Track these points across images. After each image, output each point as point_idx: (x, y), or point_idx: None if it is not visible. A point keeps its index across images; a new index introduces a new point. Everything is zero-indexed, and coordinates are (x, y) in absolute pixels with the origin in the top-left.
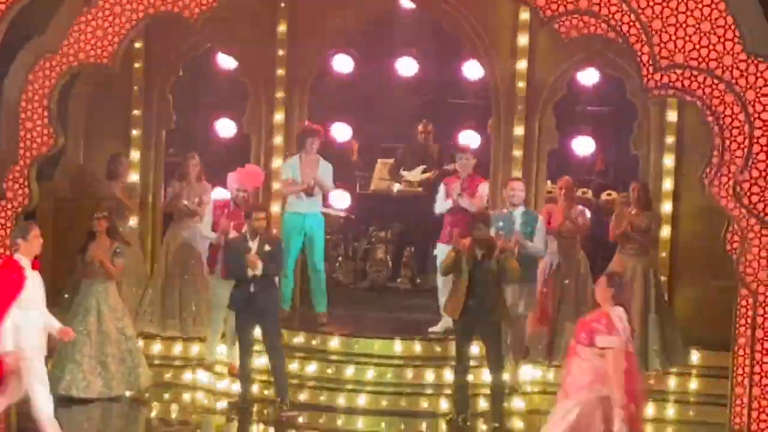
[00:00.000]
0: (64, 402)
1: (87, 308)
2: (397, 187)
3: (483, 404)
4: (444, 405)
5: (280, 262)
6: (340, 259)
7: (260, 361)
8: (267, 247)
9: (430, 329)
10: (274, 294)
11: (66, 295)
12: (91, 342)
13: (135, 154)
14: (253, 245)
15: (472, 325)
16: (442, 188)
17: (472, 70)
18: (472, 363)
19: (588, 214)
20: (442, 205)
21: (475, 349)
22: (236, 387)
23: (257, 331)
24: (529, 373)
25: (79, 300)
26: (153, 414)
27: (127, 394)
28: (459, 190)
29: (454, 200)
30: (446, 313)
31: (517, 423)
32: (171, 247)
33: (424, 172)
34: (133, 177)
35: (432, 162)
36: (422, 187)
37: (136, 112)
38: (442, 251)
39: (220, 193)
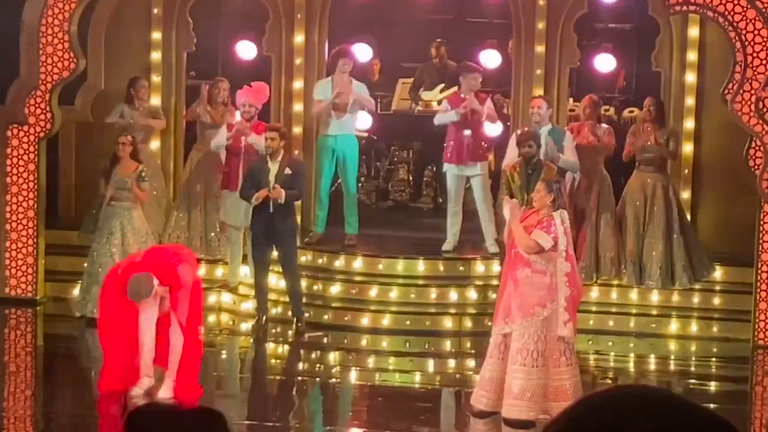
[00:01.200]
0: (92, 323)
1: (111, 230)
2: (418, 107)
3: None
4: (468, 324)
5: (301, 187)
6: (362, 179)
7: (281, 282)
8: (287, 171)
9: (443, 248)
10: (291, 215)
11: (89, 218)
12: (115, 263)
13: (156, 78)
14: (273, 167)
15: None
16: (444, 104)
17: None
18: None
19: (613, 132)
20: (444, 116)
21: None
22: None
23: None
24: None
25: (102, 222)
26: None
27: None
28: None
29: (465, 106)
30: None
31: None
32: (193, 166)
33: (442, 90)
34: (154, 100)
35: (450, 80)
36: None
37: (156, 35)
38: (449, 169)
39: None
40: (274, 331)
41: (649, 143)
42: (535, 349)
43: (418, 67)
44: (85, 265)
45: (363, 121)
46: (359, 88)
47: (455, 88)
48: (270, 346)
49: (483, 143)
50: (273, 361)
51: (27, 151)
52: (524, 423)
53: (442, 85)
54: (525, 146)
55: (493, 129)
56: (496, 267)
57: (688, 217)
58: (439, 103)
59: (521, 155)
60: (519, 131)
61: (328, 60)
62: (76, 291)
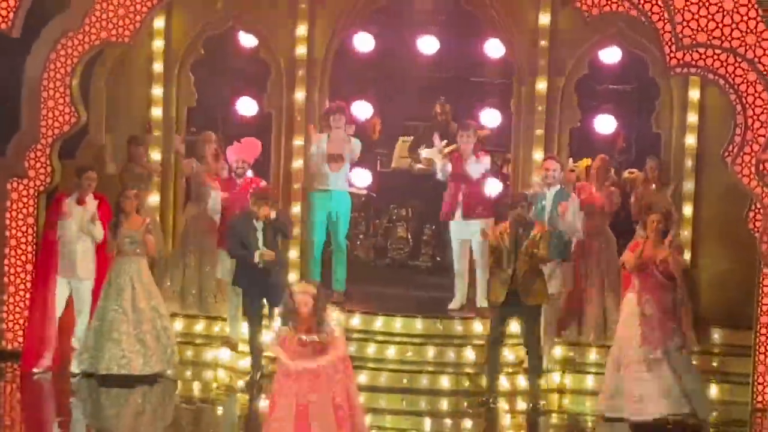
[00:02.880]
0: (104, 380)
1: (121, 286)
2: (418, 166)
3: (504, 383)
4: (465, 383)
5: (289, 232)
6: (361, 236)
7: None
8: (272, 231)
9: (449, 306)
10: (280, 268)
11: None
12: (128, 319)
13: (156, 133)
14: (258, 225)
15: (513, 309)
16: (448, 164)
17: (493, 48)
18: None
19: (618, 194)
20: (443, 169)
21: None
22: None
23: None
24: (558, 352)
25: (112, 278)
26: (176, 392)
27: (169, 372)
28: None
29: (461, 166)
30: (489, 302)
31: (548, 400)
32: (188, 224)
33: (446, 146)
34: (155, 155)
35: (451, 140)
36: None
37: (156, 90)
38: (455, 229)
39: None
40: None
41: (657, 203)
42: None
43: (420, 125)
44: (93, 320)
45: (362, 178)
46: (355, 145)
47: (455, 145)
48: (265, 404)
49: (477, 200)
50: None
51: (26, 205)
52: None
53: (445, 141)
54: (517, 207)
55: (475, 169)
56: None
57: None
58: (443, 158)
59: (512, 217)
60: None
61: (321, 118)
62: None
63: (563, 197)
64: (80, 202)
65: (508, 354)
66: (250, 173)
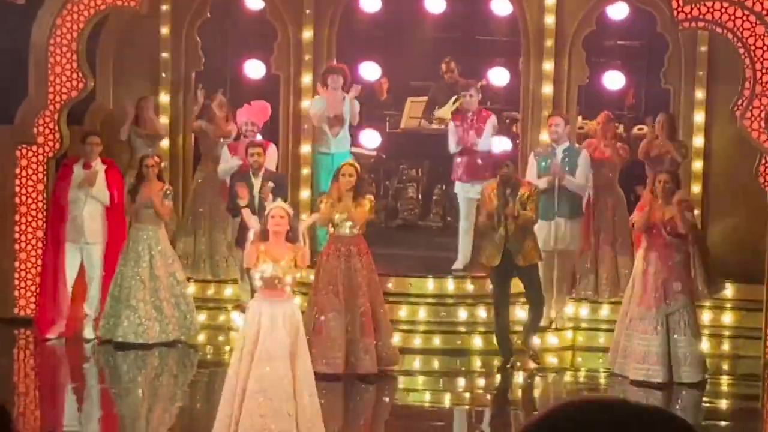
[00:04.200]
0: (122, 347)
1: (138, 253)
2: (433, 126)
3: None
4: (478, 342)
5: (284, 197)
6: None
7: None
8: (270, 184)
9: (453, 267)
10: None
11: None
12: (145, 287)
13: (164, 97)
14: (256, 183)
15: (510, 269)
16: (451, 126)
17: (500, 6)
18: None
19: (627, 148)
20: (454, 145)
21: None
22: None
23: None
24: (569, 309)
25: (129, 245)
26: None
27: (183, 338)
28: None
29: (462, 140)
30: (484, 262)
31: (552, 359)
32: (198, 187)
33: (455, 102)
34: (163, 119)
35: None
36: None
37: (164, 54)
38: (459, 189)
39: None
40: None
41: (666, 158)
42: (690, 320)
43: (428, 85)
44: (110, 287)
45: (371, 139)
46: (349, 107)
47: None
48: None
49: (479, 161)
50: None
51: (36, 171)
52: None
53: (455, 97)
54: (502, 167)
55: (484, 144)
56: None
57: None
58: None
59: (499, 176)
60: (535, 150)
61: (320, 77)
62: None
63: (573, 153)
64: (86, 167)
65: (520, 312)
66: (259, 137)
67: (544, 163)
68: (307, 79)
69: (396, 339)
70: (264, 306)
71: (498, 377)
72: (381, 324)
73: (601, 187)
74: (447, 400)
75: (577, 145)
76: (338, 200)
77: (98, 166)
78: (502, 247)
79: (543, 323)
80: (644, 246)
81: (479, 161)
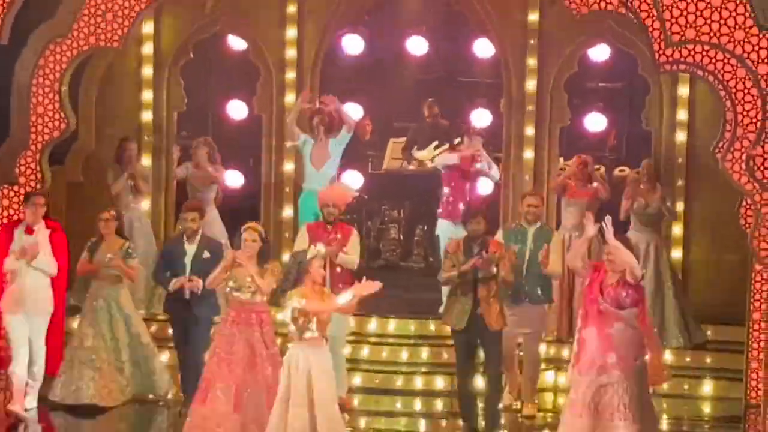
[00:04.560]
0: (87, 410)
1: (100, 313)
2: (411, 167)
3: None
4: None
5: (219, 255)
6: None
7: None
8: (205, 254)
9: (440, 310)
10: (207, 299)
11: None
12: (106, 347)
13: (147, 138)
14: (190, 250)
15: (476, 335)
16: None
17: (483, 48)
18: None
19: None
20: (446, 157)
21: None
22: None
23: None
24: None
25: (90, 303)
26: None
27: (150, 397)
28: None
29: (457, 150)
30: (448, 323)
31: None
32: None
33: (436, 147)
34: (145, 161)
35: (442, 139)
36: (434, 165)
37: (146, 95)
38: (443, 229)
39: (232, 177)
40: None
41: (650, 202)
42: (629, 402)
43: (410, 126)
44: (66, 351)
45: (353, 180)
46: (335, 141)
47: (447, 146)
48: None
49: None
50: None
51: (17, 212)
52: None
53: (435, 143)
54: (473, 223)
55: (495, 174)
56: None
57: (679, 276)
58: (432, 161)
59: (468, 232)
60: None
61: (309, 118)
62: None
63: (544, 236)
64: (28, 231)
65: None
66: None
67: (512, 242)
68: (289, 119)
69: (377, 380)
70: (292, 350)
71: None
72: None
73: (577, 230)
74: None
75: (546, 226)
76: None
77: (41, 231)
78: (470, 310)
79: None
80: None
81: (473, 200)
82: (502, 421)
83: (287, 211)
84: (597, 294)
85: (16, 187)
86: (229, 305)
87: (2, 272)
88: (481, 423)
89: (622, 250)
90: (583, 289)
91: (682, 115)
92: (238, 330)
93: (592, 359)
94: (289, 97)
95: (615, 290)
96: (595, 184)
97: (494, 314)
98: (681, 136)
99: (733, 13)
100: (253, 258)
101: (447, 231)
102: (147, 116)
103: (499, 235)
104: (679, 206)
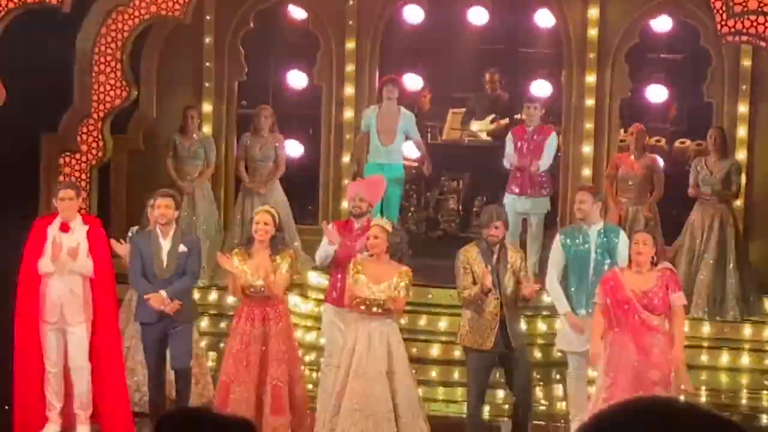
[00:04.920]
0: None
1: None
2: (468, 138)
3: None
4: None
5: (196, 268)
6: (412, 209)
7: None
8: (181, 248)
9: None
10: (189, 301)
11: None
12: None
13: (207, 107)
14: (165, 244)
15: (497, 354)
16: (509, 138)
17: (544, 18)
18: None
19: (661, 162)
20: (509, 158)
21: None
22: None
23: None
24: None
25: None
26: None
27: None
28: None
29: (520, 155)
30: (467, 344)
31: None
32: (245, 214)
33: (492, 121)
34: (206, 129)
35: (502, 111)
36: (492, 137)
37: (207, 64)
38: (510, 202)
39: (292, 147)
40: None
41: (716, 173)
42: None
43: (469, 97)
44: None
45: (413, 150)
46: (406, 118)
47: (506, 120)
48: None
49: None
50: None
51: (79, 179)
52: None
53: (493, 116)
54: (491, 227)
55: (545, 164)
56: (545, 297)
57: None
58: (488, 134)
59: (485, 238)
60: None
61: (378, 89)
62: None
63: (610, 234)
64: (63, 228)
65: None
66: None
67: (570, 244)
68: (349, 89)
69: (434, 351)
70: (360, 324)
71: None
72: (297, 399)
73: (635, 202)
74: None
75: (613, 224)
76: (249, 256)
77: (77, 228)
78: (496, 328)
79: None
80: (606, 326)
81: (536, 176)
82: None
83: (345, 181)
84: (632, 302)
85: (78, 155)
86: (240, 301)
87: (37, 275)
88: None
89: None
90: (601, 302)
91: (744, 86)
92: (252, 326)
93: (631, 380)
94: (349, 67)
95: (652, 295)
96: (650, 156)
97: (520, 331)
98: (742, 108)
99: None
100: (266, 243)
101: (512, 203)
102: (208, 85)
103: (557, 241)
104: (741, 179)
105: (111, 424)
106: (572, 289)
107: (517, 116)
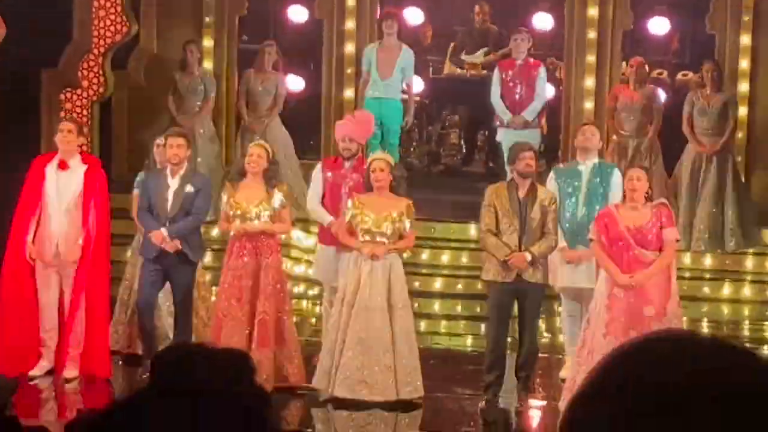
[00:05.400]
0: None
1: None
2: (456, 70)
3: None
4: None
5: (204, 208)
6: (414, 143)
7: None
8: (189, 188)
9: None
10: (193, 241)
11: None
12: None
13: (208, 42)
14: (173, 183)
15: (515, 288)
16: (496, 72)
17: None
18: None
19: (662, 94)
20: (495, 93)
21: None
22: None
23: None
24: None
25: None
26: None
27: None
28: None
29: (508, 91)
30: (492, 277)
31: None
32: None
33: (486, 54)
34: (207, 64)
35: (494, 44)
36: (486, 70)
37: None
38: (503, 136)
39: (293, 81)
40: None
41: (712, 105)
42: None
43: (459, 30)
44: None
45: (414, 84)
46: (406, 54)
47: (497, 53)
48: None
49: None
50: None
51: (80, 115)
52: None
53: (486, 49)
54: (523, 161)
55: (538, 100)
56: None
57: (743, 180)
58: (483, 67)
59: (518, 172)
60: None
61: (377, 23)
62: (128, 254)
63: (604, 172)
64: (62, 166)
65: None
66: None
67: (562, 183)
68: (350, 24)
69: (437, 284)
70: (363, 258)
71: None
72: (285, 333)
73: (635, 135)
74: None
75: (607, 161)
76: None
77: (76, 167)
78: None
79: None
80: (612, 260)
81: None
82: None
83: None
84: (626, 238)
85: (79, 91)
86: (232, 236)
87: (35, 213)
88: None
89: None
90: (597, 239)
91: (746, 18)
92: (242, 261)
93: (628, 316)
94: (350, 1)
95: (646, 231)
96: (651, 87)
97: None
98: (745, 40)
99: None
100: (259, 175)
101: (506, 137)
102: (208, 20)
103: (551, 178)
104: (742, 111)
105: (89, 361)
106: (566, 225)
107: (501, 51)
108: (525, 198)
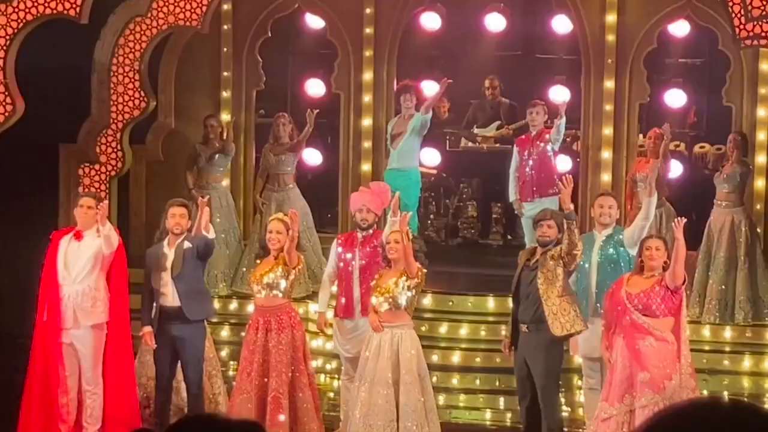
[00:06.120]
0: None
1: None
2: (468, 144)
3: None
4: None
5: (210, 243)
6: (431, 216)
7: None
8: (186, 244)
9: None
10: (204, 300)
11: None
12: None
13: (225, 116)
14: (170, 253)
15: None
16: (514, 150)
17: (561, 24)
18: None
19: (671, 166)
20: (512, 169)
21: None
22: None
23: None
24: None
25: None
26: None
27: None
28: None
29: (522, 164)
30: (564, 332)
31: None
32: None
33: (498, 128)
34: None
35: (504, 117)
36: (499, 143)
37: (225, 73)
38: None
39: (310, 155)
40: None
41: (730, 174)
42: None
43: (471, 103)
44: None
45: (431, 157)
46: (417, 118)
47: (508, 128)
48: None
49: (550, 178)
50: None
51: (99, 190)
52: None
53: (498, 122)
54: (542, 226)
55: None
56: None
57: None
58: (496, 141)
59: (537, 239)
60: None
61: (395, 97)
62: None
63: (615, 241)
64: (77, 237)
65: None
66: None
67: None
68: (367, 98)
69: (456, 358)
70: (371, 332)
71: None
72: (299, 411)
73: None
74: (508, 418)
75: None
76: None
77: (91, 238)
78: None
79: None
80: (606, 329)
81: (540, 178)
82: None
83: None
84: (624, 303)
85: (97, 166)
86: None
87: (54, 288)
88: None
89: (683, 249)
90: (604, 301)
91: (763, 90)
92: (255, 336)
93: (621, 382)
94: (367, 75)
95: (647, 297)
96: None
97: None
98: (762, 112)
99: None
100: (278, 253)
101: (526, 207)
102: (226, 95)
103: None
104: (760, 183)
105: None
106: (579, 294)
107: (521, 123)
108: (534, 264)
